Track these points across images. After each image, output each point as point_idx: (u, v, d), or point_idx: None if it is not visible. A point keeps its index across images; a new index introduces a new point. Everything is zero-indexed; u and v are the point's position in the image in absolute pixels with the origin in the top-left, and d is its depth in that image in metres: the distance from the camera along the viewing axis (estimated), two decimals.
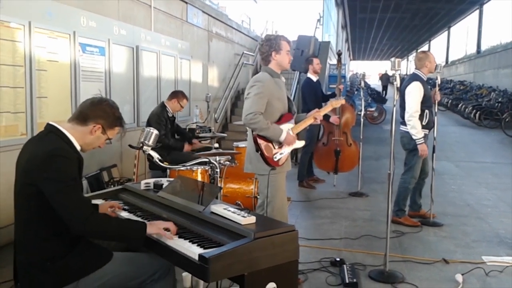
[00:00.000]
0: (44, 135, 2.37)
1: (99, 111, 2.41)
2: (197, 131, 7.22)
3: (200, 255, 2.07)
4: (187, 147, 6.07)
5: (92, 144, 2.45)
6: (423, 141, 5.10)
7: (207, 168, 4.86)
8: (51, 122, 2.39)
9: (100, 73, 6.00)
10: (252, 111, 3.49)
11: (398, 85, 3.90)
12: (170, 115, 6.00)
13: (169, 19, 8.26)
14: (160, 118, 5.78)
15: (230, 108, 11.66)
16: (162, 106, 6.01)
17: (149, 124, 5.78)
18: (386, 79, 29.39)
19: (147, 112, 6.28)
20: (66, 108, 5.34)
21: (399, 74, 3.88)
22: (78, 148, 2.38)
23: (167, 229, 2.38)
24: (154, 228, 2.36)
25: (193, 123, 7.63)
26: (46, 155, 2.20)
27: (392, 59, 3.79)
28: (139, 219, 2.68)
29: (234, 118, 11.58)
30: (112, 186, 5.37)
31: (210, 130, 7.29)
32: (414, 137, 5.09)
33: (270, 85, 3.64)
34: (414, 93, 5.08)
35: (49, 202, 2.17)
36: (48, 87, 5.04)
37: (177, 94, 6.04)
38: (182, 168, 4.79)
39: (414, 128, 5.06)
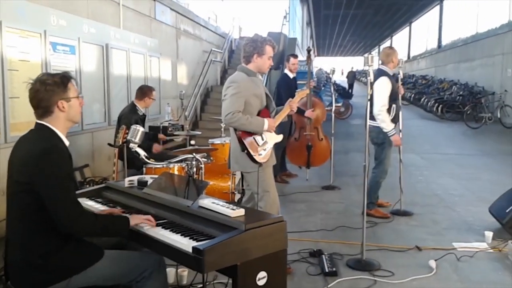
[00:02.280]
0: (35, 132, 2.38)
1: (45, 94, 2.33)
2: (170, 129, 7.22)
3: (194, 248, 2.13)
4: (156, 147, 6.04)
5: (74, 114, 2.44)
6: (394, 132, 5.27)
7: (183, 166, 4.89)
8: (38, 121, 2.39)
9: (70, 72, 5.92)
10: (230, 111, 3.57)
11: (372, 80, 4.03)
12: (140, 113, 5.97)
13: (137, 16, 8.22)
14: (131, 118, 5.74)
15: (200, 105, 11.66)
16: (132, 106, 5.97)
17: (119, 123, 5.74)
18: (352, 77, 27.76)
19: (117, 111, 6.25)
20: None
21: (370, 70, 4.01)
22: (67, 143, 2.40)
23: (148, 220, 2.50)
24: (136, 219, 2.48)
25: (165, 121, 7.62)
26: (42, 153, 2.22)
27: (366, 55, 3.93)
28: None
29: (204, 115, 11.60)
30: (87, 186, 5.33)
31: (182, 128, 7.30)
32: (385, 130, 5.24)
33: (246, 84, 3.71)
34: (382, 88, 5.24)
35: (42, 199, 2.19)
36: (20, 87, 4.94)
37: (145, 92, 5.96)
38: (158, 166, 4.82)
39: (384, 121, 5.21)
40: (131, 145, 2.85)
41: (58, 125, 2.39)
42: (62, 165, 2.26)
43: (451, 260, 4.20)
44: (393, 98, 5.32)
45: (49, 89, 2.34)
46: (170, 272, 3.46)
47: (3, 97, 4.69)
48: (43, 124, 2.37)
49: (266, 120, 3.70)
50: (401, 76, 5.74)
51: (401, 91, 5.63)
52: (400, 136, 5.65)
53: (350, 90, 25.54)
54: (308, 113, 6.91)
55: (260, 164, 3.71)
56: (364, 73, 33.08)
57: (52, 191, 2.20)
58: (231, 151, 3.91)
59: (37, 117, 2.40)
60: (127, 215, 2.56)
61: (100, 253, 2.42)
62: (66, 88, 2.39)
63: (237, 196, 5.22)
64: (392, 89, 5.29)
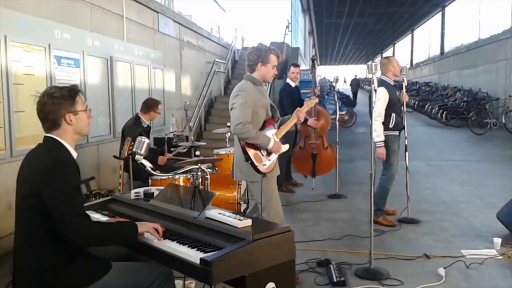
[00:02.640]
0: (44, 146, 2.38)
1: (53, 107, 2.34)
2: (174, 140, 7.23)
3: (201, 259, 2.12)
4: (161, 158, 6.04)
5: (82, 127, 2.44)
6: (382, 144, 5.31)
7: (189, 176, 4.89)
8: (47, 134, 2.39)
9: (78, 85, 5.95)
10: (241, 121, 3.56)
11: (376, 87, 4.03)
12: (145, 125, 5.98)
13: (141, 29, 8.26)
14: (135, 131, 5.74)
15: (204, 116, 11.68)
16: (136, 118, 5.98)
17: (123, 136, 5.74)
18: (356, 85, 27.34)
19: (122, 123, 6.26)
20: None
21: (374, 78, 4.02)
22: (75, 155, 2.40)
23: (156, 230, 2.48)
24: (144, 227, 2.46)
25: (170, 133, 7.63)
26: (51, 165, 2.22)
27: (369, 63, 3.92)
28: None
29: (208, 126, 11.62)
30: (93, 198, 5.33)
31: (187, 139, 7.30)
32: (374, 140, 5.23)
33: (253, 93, 3.71)
34: (378, 98, 5.25)
35: (50, 213, 2.19)
36: (26, 101, 4.98)
37: (151, 106, 5.97)
38: (164, 177, 4.82)
39: (375, 131, 5.21)
40: (137, 157, 2.85)
41: (66, 137, 2.39)
42: (71, 177, 2.27)
43: (460, 268, 4.16)
44: (393, 107, 5.34)
45: (56, 102, 2.34)
46: (178, 284, 3.43)
47: (8, 111, 4.71)
48: (51, 137, 2.37)
49: (272, 140, 3.70)
50: (405, 83, 5.75)
51: (406, 98, 5.64)
52: (406, 143, 5.64)
53: (354, 99, 25.40)
54: (311, 122, 6.90)
55: (264, 174, 3.70)
56: (367, 81, 33.11)
57: (61, 204, 2.20)
58: (235, 160, 3.90)
59: (45, 130, 2.40)
60: (135, 222, 2.53)
61: (108, 265, 2.41)
62: (73, 101, 2.39)
63: (243, 206, 5.20)
64: (390, 99, 5.31)
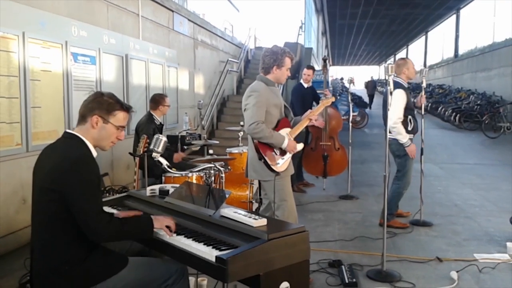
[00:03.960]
0: (65, 142, 2.41)
1: (91, 104, 2.42)
2: (187, 138, 7.25)
3: (217, 257, 2.13)
4: (176, 156, 6.06)
5: (104, 138, 2.45)
6: (410, 142, 5.24)
7: (201, 175, 4.91)
8: (68, 130, 2.43)
9: (91, 82, 6.02)
10: (254, 121, 3.58)
11: (392, 89, 4.02)
12: (158, 123, 5.99)
13: (156, 27, 8.31)
14: (149, 128, 5.75)
15: (216, 115, 11.71)
16: (149, 115, 5.99)
17: (137, 133, 5.77)
18: (372, 87, 26.37)
19: (136, 120, 6.29)
20: (59, 118, 5.36)
21: (390, 80, 4.00)
22: (95, 154, 2.42)
23: (168, 227, 2.51)
24: (158, 224, 2.48)
25: (183, 131, 7.65)
26: (73, 161, 2.26)
27: (385, 64, 3.91)
28: None
29: (220, 125, 11.64)
30: (107, 194, 5.37)
31: (200, 137, 7.32)
32: (401, 142, 5.20)
33: (266, 93, 3.73)
34: (397, 101, 5.18)
35: (68, 208, 2.22)
36: (42, 97, 5.05)
37: (157, 101, 5.92)
38: (177, 175, 4.85)
39: (400, 133, 5.18)
40: (154, 154, 2.87)
41: (87, 137, 2.42)
42: (92, 174, 2.30)
43: (473, 272, 4.14)
44: (409, 110, 5.30)
45: (98, 101, 2.42)
46: (190, 280, 3.45)
47: (25, 107, 4.77)
48: (73, 134, 2.41)
49: (287, 139, 3.72)
50: (424, 85, 5.70)
51: (423, 100, 5.61)
52: (422, 146, 5.62)
53: (370, 101, 24.92)
54: (317, 122, 6.87)
55: (277, 173, 3.71)
56: (380, 83, 32.92)
57: (81, 200, 2.24)
58: (248, 159, 3.92)
59: (76, 124, 2.46)
60: (151, 215, 2.56)
61: (124, 261, 2.44)
62: (113, 111, 2.43)
63: (255, 206, 5.22)
64: (407, 101, 5.25)
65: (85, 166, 2.27)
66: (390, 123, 5.17)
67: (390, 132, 5.34)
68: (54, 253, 2.29)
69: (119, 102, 2.47)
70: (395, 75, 5.41)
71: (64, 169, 2.25)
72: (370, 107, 23.79)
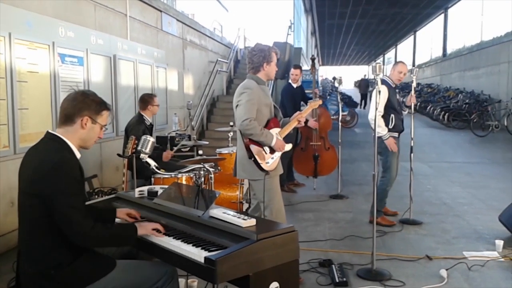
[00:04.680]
0: (46, 143, 2.37)
1: (80, 104, 2.38)
2: (177, 139, 7.22)
3: (206, 258, 2.12)
4: (165, 155, 6.03)
5: (90, 138, 2.44)
6: (388, 136, 5.33)
7: (191, 175, 4.89)
8: (50, 131, 2.40)
9: (79, 83, 5.96)
10: (247, 117, 3.58)
11: (380, 89, 4.03)
12: (148, 123, 5.96)
13: (144, 27, 8.26)
14: (138, 129, 5.72)
15: (206, 115, 11.68)
16: (139, 116, 5.96)
17: (127, 134, 5.73)
18: (365, 86, 25.18)
19: (125, 121, 6.25)
20: (46, 119, 5.30)
21: (378, 79, 4.01)
22: (78, 156, 2.39)
23: (156, 230, 2.51)
24: (143, 230, 2.48)
25: (173, 131, 7.63)
26: (53, 166, 2.22)
27: (373, 63, 3.93)
28: None
29: (210, 125, 11.62)
30: (96, 196, 5.34)
31: (189, 138, 7.30)
32: (379, 135, 5.25)
33: (258, 92, 3.74)
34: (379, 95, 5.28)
35: (52, 212, 2.20)
36: (29, 98, 4.99)
37: (146, 101, 5.89)
38: (166, 176, 4.82)
39: (379, 126, 5.24)
40: (142, 155, 2.85)
41: (73, 138, 2.38)
42: (74, 178, 2.26)
43: (462, 270, 4.16)
44: (391, 108, 5.38)
45: (86, 102, 2.39)
46: (180, 282, 3.43)
47: (12, 108, 4.72)
48: (55, 135, 2.36)
49: (275, 138, 3.72)
50: (414, 84, 5.77)
51: (413, 100, 5.67)
52: (412, 144, 5.66)
53: (362, 102, 24.39)
54: (310, 123, 6.90)
55: (267, 172, 3.71)
56: (372, 82, 33.01)
57: (61, 205, 2.20)
58: (237, 158, 3.91)
59: (58, 124, 2.41)
60: (135, 223, 2.58)
61: (112, 263, 2.41)
62: (100, 111, 2.44)
63: (245, 206, 5.21)
64: (389, 99, 5.34)
65: (64, 170, 2.23)
66: (369, 115, 5.23)
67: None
68: (41, 256, 2.26)
69: (103, 101, 2.48)
70: (385, 74, 5.49)
71: (43, 174, 2.21)
72: (364, 107, 23.66)
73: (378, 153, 5.47)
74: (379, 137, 5.30)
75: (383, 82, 5.39)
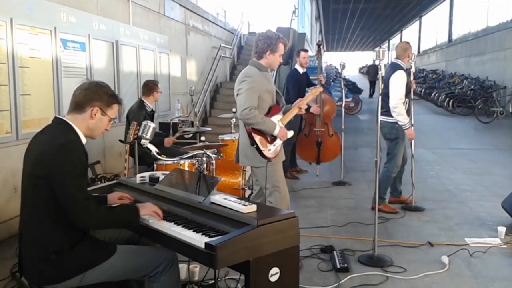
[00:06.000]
0: (53, 127, 2.40)
1: (92, 94, 2.42)
2: (180, 125, 7.22)
3: (206, 243, 2.13)
4: (167, 140, 6.02)
5: (98, 128, 2.47)
6: (409, 125, 5.26)
7: (194, 162, 4.89)
8: (58, 116, 2.42)
9: (81, 69, 5.95)
10: (247, 106, 3.56)
11: (383, 74, 4.00)
12: (149, 109, 5.95)
13: (147, 13, 8.22)
14: (139, 115, 5.70)
15: (209, 102, 11.66)
16: (140, 102, 5.95)
17: (128, 120, 5.73)
18: (374, 72, 21.84)
19: (127, 107, 6.24)
20: (49, 105, 5.30)
21: (381, 65, 3.97)
22: (84, 141, 2.42)
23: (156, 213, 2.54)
24: (145, 210, 2.51)
25: (175, 118, 7.62)
26: (59, 148, 2.24)
27: (377, 49, 3.91)
28: None
29: (213, 111, 11.60)
30: (99, 182, 5.35)
31: (192, 124, 7.29)
32: (400, 123, 5.21)
33: (259, 79, 3.71)
34: (399, 82, 5.20)
35: (56, 195, 2.21)
36: (31, 84, 4.99)
37: (151, 87, 5.88)
38: (169, 162, 4.82)
39: (401, 115, 5.18)
40: (143, 141, 2.85)
41: (80, 125, 2.41)
42: (78, 161, 2.29)
43: (464, 256, 4.16)
44: (407, 92, 5.31)
45: (98, 92, 2.43)
46: (182, 268, 3.46)
47: (14, 94, 4.72)
48: (63, 119, 2.40)
49: (278, 126, 3.70)
50: (413, 70, 5.70)
51: (413, 85, 5.61)
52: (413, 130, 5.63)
53: (371, 90, 22.86)
54: (313, 109, 6.87)
55: (269, 159, 3.70)
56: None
57: (66, 185, 2.22)
58: (239, 145, 3.91)
59: (68, 111, 2.44)
60: (137, 204, 2.60)
61: (113, 248, 2.43)
62: (111, 104, 2.47)
63: (248, 192, 5.21)
64: (406, 83, 5.27)
65: (70, 151, 2.26)
66: (391, 103, 5.17)
67: (382, 115, 5.34)
68: (43, 241, 2.28)
69: (115, 95, 2.53)
70: (396, 57, 5.41)
71: (49, 155, 2.23)
72: (372, 95, 22.62)
73: (387, 139, 5.45)
74: (395, 127, 5.26)
75: (399, 67, 5.30)
